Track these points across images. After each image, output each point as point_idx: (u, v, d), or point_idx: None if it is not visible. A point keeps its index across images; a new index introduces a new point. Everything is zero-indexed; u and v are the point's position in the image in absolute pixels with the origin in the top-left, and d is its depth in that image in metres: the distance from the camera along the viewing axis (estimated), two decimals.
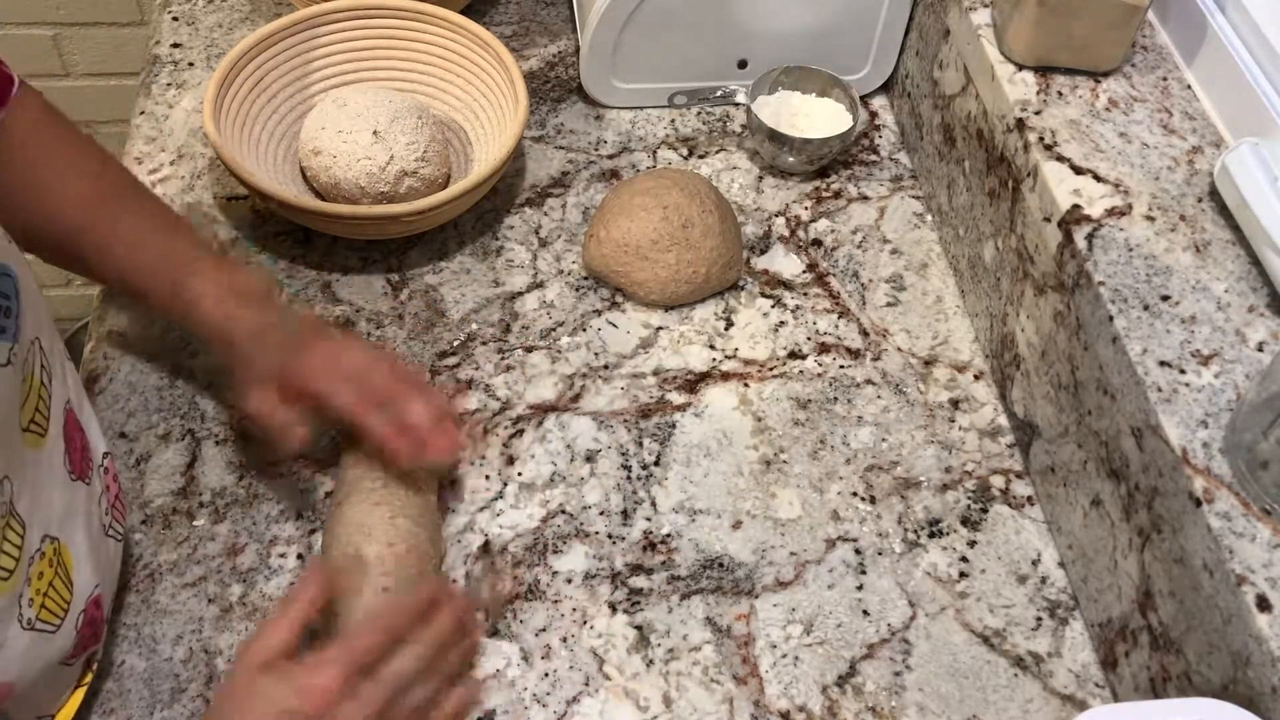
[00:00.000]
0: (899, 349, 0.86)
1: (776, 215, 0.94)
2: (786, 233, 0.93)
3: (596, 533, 0.75)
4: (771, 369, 0.84)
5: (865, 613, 0.72)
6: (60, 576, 0.58)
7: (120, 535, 0.66)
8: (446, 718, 0.63)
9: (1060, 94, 0.78)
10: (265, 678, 0.58)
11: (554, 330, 0.85)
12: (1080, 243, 0.69)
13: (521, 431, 0.80)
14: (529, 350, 0.84)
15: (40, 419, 0.55)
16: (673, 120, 1.01)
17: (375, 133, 0.84)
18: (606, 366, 0.84)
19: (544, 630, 0.70)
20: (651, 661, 0.70)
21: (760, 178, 0.97)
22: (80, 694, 0.64)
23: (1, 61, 0.67)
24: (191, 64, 1.02)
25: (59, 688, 0.61)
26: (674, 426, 0.80)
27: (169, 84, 1.00)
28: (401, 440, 0.68)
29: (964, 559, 0.75)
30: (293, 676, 0.58)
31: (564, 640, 0.70)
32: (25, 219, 0.69)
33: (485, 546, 0.74)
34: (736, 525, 0.76)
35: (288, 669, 0.58)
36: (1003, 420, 0.82)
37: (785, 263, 0.91)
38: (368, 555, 0.65)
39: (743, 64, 1.00)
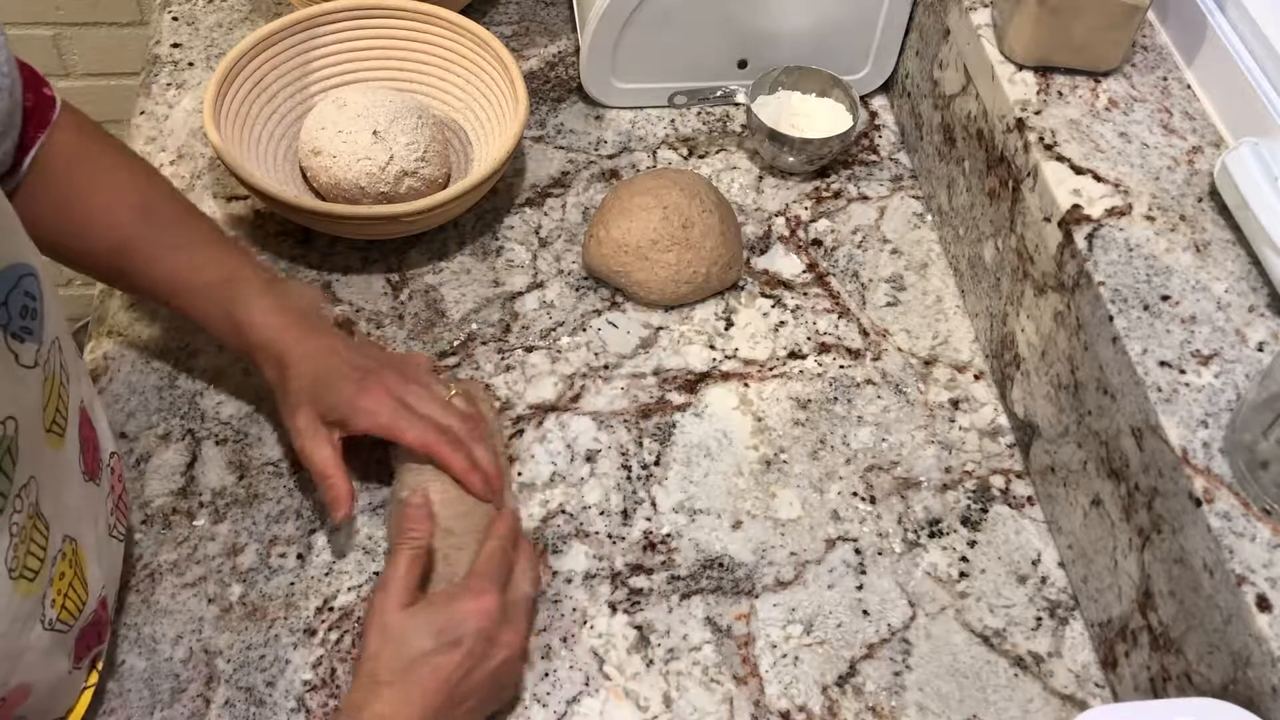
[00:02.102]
0: (899, 349, 0.86)
1: (776, 215, 0.94)
2: (786, 233, 0.93)
3: (596, 533, 0.75)
4: (771, 369, 0.84)
5: (865, 613, 0.72)
6: (78, 577, 0.58)
7: (123, 535, 0.66)
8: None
9: (1060, 94, 0.78)
10: (417, 613, 0.61)
11: (554, 330, 0.85)
12: (1080, 243, 0.69)
13: (521, 431, 0.79)
14: (529, 350, 0.84)
15: (60, 419, 0.56)
16: (673, 120, 1.01)
17: (375, 133, 0.84)
18: (606, 366, 0.84)
19: (544, 630, 0.70)
20: (651, 661, 0.70)
21: (760, 178, 0.97)
22: (88, 696, 0.64)
23: (46, 83, 0.68)
24: (191, 64, 1.02)
25: (69, 690, 0.62)
26: (674, 426, 0.80)
27: (169, 84, 1.00)
28: (475, 476, 0.69)
29: (964, 559, 0.75)
30: (451, 605, 0.62)
31: (564, 640, 0.70)
32: (69, 240, 0.71)
33: None
34: (736, 525, 0.76)
35: (438, 601, 0.62)
36: (1003, 420, 0.82)
37: (785, 263, 0.91)
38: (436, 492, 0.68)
39: (743, 64, 1.00)
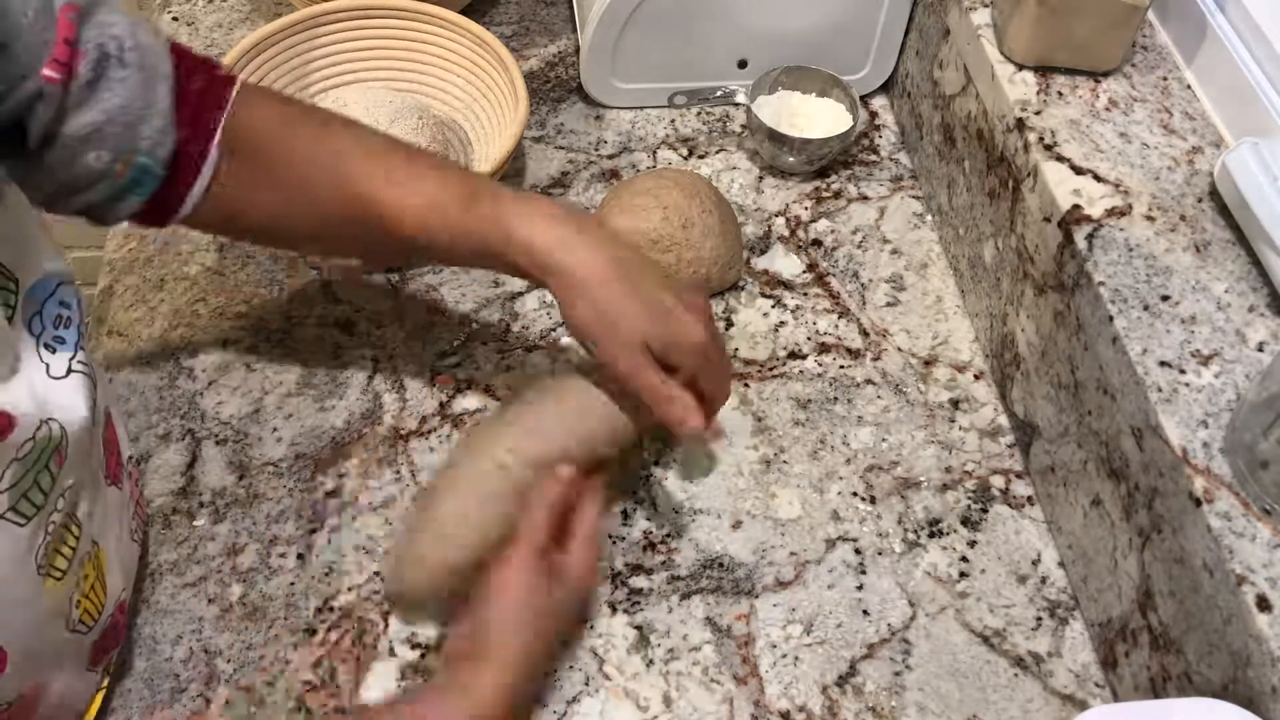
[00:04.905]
0: (899, 349, 0.86)
1: (776, 215, 0.94)
2: (786, 233, 0.93)
3: None
4: (771, 369, 0.84)
5: (865, 613, 0.72)
6: (99, 580, 0.58)
7: (140, 537, 0.66)
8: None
9: (1060, 94, 0.78)
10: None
11: (554, 330, 0.85)
12: (1080, 243, 0.69)
13: None
14: (529, 350, 0.84)
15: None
16: (673, 120, 1.01)
17: None
18: None
19: None
20: (651, 661, 0.70)
21: (760, 178, 0.97)
22: (99, 698, 0.64)
23: (217, 64, 0.63)
24: None
25: (84, 692, 0.62)
26: None
27: None
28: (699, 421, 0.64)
29: (964, 559, 0.75)
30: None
31: (564, 640, 0.70)
32: (292, 208, 0.66)
33: None
34: (736, 525, 0.76)
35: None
36: (1003, 420, 0.82)
37: (785, 263, 0.91)
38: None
39: (743, 64, 1.00)
